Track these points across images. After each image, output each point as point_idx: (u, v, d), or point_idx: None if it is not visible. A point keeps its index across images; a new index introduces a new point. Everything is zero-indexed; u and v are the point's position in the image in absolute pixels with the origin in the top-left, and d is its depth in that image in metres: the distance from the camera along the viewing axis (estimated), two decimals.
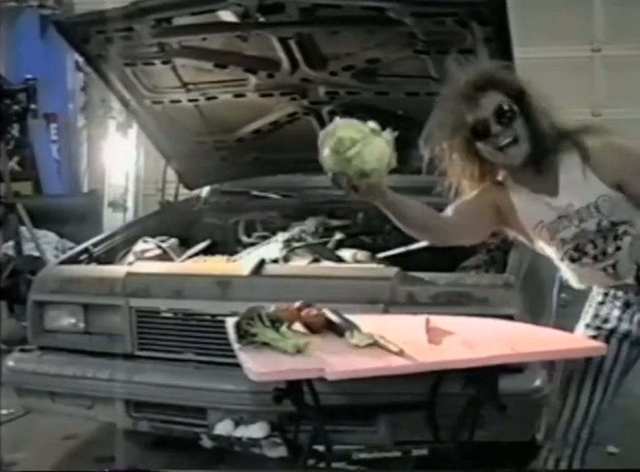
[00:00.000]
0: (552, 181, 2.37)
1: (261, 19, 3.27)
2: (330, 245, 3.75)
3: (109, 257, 3.71)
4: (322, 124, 3.91)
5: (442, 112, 2.40)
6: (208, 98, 3.89)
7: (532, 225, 2.42)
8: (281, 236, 3.82)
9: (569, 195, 2.35)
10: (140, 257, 3.69)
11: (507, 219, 2.48)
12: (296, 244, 3.67)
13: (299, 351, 2.37)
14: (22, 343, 3.52)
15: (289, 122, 3.97)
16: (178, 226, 4.13)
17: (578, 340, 2.50)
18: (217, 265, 3.59)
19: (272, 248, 3.68)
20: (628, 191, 2.32)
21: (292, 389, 2.54)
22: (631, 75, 7.15)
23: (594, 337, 2.44)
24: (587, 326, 2.49)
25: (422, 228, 2.50)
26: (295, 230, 3.88)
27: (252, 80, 3.71)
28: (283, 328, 2.47)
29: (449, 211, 2.50)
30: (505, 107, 2.31)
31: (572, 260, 2.39)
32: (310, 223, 3.96)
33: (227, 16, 3.33)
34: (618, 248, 2.33)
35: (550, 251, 2.44)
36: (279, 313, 2.58)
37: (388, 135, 2.26)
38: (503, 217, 2.47)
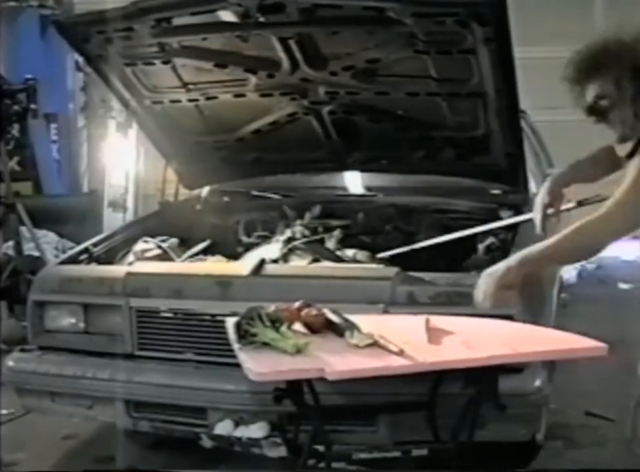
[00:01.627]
0: None
1: (262, 19, 3.27)
2: (333, 241, 3.75)
3: (109, 257, 3.71)
4: (323, 124, 3.93)
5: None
6: (208, 98, 3.89)
7: None
8: (281, 236, 3.82)
9: None
10: (140, 257, 3.68)
11: None
12: (296, 243, 3.67)
13: (299, 350, 2.37)
14: (22, 343, 3.52)
15: (289, 122, 3.97)
16: (178, 226, 4.12)
17: (578, 340, 2.50)
18: (217, 265, 3.58)
19: (272, 248, 3.68)
20: None
21: (292, 389, 2.54)
22: None
23: None
24: None
25: None
26: (296, 228, 3.88)
27: (252, 80, 3.70)
28: (283, 328, 2.48)
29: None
30: (602, 102, 2.35)
31: None
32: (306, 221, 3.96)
33: (227, 16, 3.32)
34: None
35: None
36: (278, 313, 2.59)
37: None
38: None
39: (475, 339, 2.48)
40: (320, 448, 2.68)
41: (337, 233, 3.82)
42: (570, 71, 2.40)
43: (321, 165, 4.21)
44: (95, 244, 3.76)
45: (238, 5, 3.24)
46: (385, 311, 2.96)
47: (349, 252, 3.60)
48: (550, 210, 2.69)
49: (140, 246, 3.78)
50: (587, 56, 2.39)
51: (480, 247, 3.52)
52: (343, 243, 3.76)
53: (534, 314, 2.99)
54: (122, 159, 7.87)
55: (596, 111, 2.38)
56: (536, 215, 2.71)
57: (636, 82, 2.32)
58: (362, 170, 4.33)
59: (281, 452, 3.03)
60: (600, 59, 2.37)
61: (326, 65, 3.53)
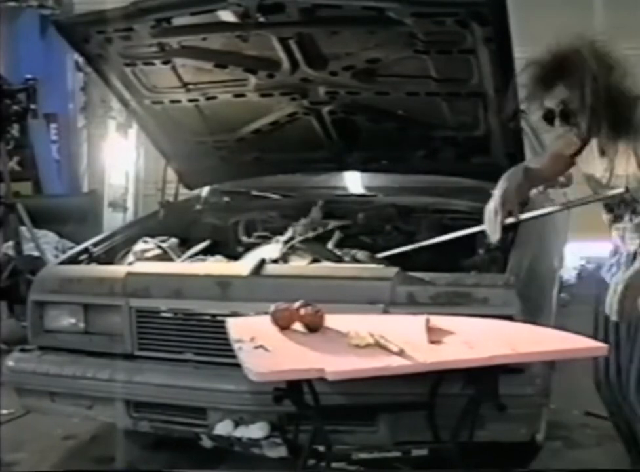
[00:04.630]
0: None
1: (261, 19, 3.27)
2: (332, 241, 3.75)
3: (109, 257, 3.71)
4: (323, 124, 3.93)
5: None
6: (208, 98, 3.89)
7: None
8: (281, 236, 3.82)
9: None
10: (140, 257, 3.68)
11: None
12: (294, 241, 3.67)
13: None
14: (22, 343, 3.51)
15: (289, 122, 3.97)
16: (178, 226, 4.12)
17: (578, 340, 2.50)
18: (217, 265, 3.58)
19: (272, 248, 3.68)
20: None
21: (292, 389, 2.54)
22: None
23: None
24: None
25: None
26: (297, 227, 3.88)
27: (252, 80, 3.70)
28: None
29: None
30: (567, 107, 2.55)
31: None
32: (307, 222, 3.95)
33: (227, 16, 3.32)
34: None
35: None
36: (278, 312, 2.59)
37: None
38: None
39: (475, 339, 2.48)
40: (321, 448, 2.68)
41: (337, 233, 3.82)
42: (535, 77, 2.58)
43: (321, 165, 4.21)
44: (95, 244, 3.76)
45: (238, 5, 3.25)
46: (385, 311, 2.96)
47: (349, 252, 3.60)
48: (510, 219, 2.78)
49: (139, 246, 3.78)
50: (551, 64, 2.56)
51: (480, 247, 3.52)
52: (343, 243, 3.76)
53: (534, 314, 2.99)
54: (122, 159, 7.88)
55: (563, 114, 2.57)
56: (488, 226, 2.78)
57: (595, 90, 2.51)
58: (362, 170, 4.33)
59: (281, 452, 3.03)
60: (564, 67, 2.55)
61: (326, 65, 3.53)
